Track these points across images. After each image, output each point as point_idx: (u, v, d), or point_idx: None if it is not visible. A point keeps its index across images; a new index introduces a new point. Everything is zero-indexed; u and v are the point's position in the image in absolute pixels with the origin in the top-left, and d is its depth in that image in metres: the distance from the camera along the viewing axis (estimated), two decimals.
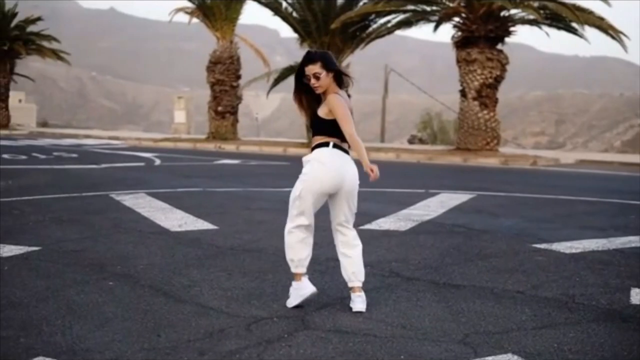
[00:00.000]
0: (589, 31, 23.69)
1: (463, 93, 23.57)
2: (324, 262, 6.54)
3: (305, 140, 28.86)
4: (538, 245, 7.53)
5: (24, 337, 4.24)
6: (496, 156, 21.94)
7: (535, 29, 23.92)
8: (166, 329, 4.45)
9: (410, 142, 36.34)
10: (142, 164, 18.80)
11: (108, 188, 12.27)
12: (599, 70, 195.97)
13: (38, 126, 54.10)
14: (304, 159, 5.00)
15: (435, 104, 38.49)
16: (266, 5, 27.95)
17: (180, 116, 42.87)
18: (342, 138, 4.91)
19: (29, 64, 72.59)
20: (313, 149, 4.99)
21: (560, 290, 5.63)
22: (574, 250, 7.26)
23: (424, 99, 39.93)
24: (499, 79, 23.15)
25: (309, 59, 4.89)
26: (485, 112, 23.05)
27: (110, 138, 34.74)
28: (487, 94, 22.97)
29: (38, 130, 42.44)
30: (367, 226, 8.74)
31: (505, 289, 5.65)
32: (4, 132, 39.01)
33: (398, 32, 27.41)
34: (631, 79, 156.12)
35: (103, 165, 17.70)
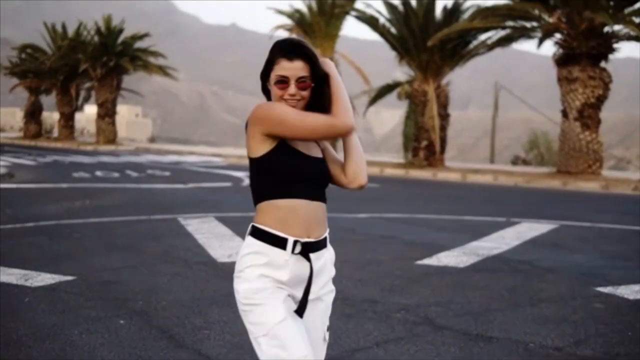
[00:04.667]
0: None
1: (564, 113, 22.56)
2: (358, 304, 6.17)
3: (402, 160, 28.24)
4: (602, 289, 6.87)
5: None
6: (597, 180, 20.80)
7: None
8: None
9: (514, 163, 35.11)
10: (229, 184, 18.76)
11: (181, 210, 12.25)
12: None
13: (150, 141, 55.57)
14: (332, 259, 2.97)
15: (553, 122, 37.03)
16: (364, 21, 27.66)
17: None
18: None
19: (151, 79, 75.05)
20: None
21: (604, 348, 5.05)
22: (639, 296, 6.58)
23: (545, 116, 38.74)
24: (601, 99, 21.99)
25: (299, 50, 2.72)
26: (587, 133, 21.94)
27: (212, 155, 35.18)
28: (589, 115, 21.87)
29: (144, 146, 43.51)
30: (426, 261, 8.28)
31: (542, 345, 5.11)
32: (110, 147, 40.17)
33: (519, 48, 26.62)
34: None
35: (190, 185, 17.80)
